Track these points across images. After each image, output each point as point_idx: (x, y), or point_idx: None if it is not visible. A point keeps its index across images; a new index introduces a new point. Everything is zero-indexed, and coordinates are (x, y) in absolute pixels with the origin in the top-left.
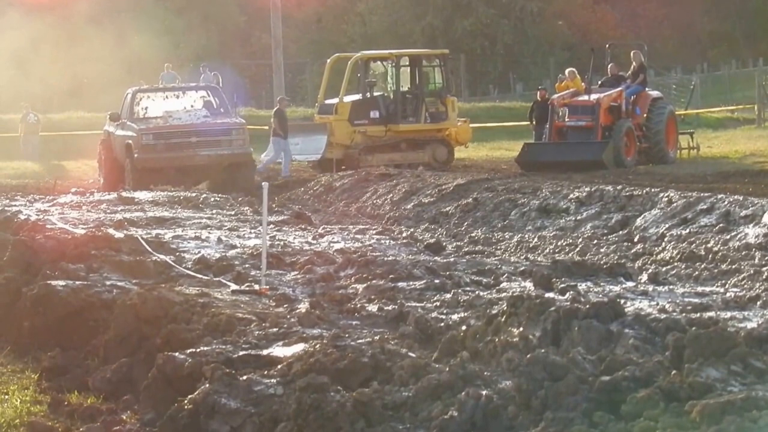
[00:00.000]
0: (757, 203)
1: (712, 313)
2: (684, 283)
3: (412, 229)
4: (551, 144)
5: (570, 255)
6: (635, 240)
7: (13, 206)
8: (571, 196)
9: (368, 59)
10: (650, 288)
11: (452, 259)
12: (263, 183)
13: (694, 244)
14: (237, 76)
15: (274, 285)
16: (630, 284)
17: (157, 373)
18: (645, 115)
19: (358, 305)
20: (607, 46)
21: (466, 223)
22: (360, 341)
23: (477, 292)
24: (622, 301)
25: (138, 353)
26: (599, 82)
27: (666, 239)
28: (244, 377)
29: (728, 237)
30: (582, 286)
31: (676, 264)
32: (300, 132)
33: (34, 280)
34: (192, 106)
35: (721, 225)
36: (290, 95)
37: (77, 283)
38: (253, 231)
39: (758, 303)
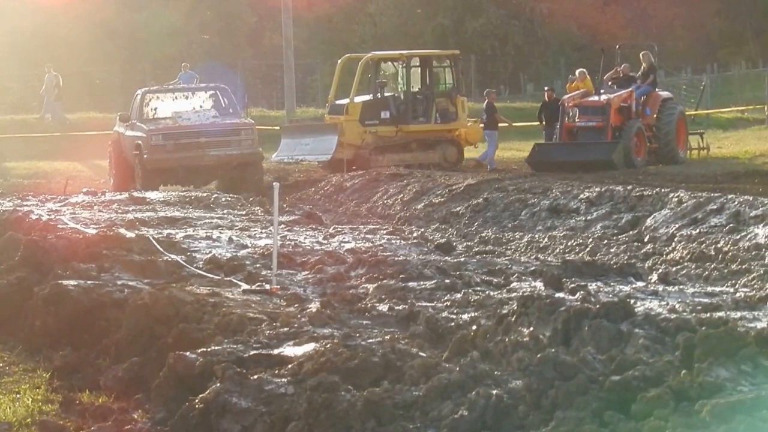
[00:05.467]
0: (767, 203)
1: (722, 313)
2: (694, 283)
3: (422, 229)
4: (562, 144)
5: (580, 255)
6: (645, 240)
7: (25, 206)
8: (582, 196)
9: (379, 60)
10: (660, 288)
11: (463, 259)
12: (274, 183)
13: (704, 245)
14: (232, 74)
15: (285, 285)
16: (640, 284)
17: (169, 373)
18: (655, 115)
19: (369, 305)
20: (617, 46)
21: (476, 223)
22: (371, 341)
23: (487, 292)
24: (633, 301)
25: (149, 352)
26: (609, 83)
27: (676, 239)
28: (255, 376)
29: (738, 237)
30: (592, 286)
31: (686, 264)
32: (310, 132)
33: (46, 280)
34: (201, 107)
35: (731, 225)
36: (301, 95)
37: (89, 282)
38: (264, 231)
39: None
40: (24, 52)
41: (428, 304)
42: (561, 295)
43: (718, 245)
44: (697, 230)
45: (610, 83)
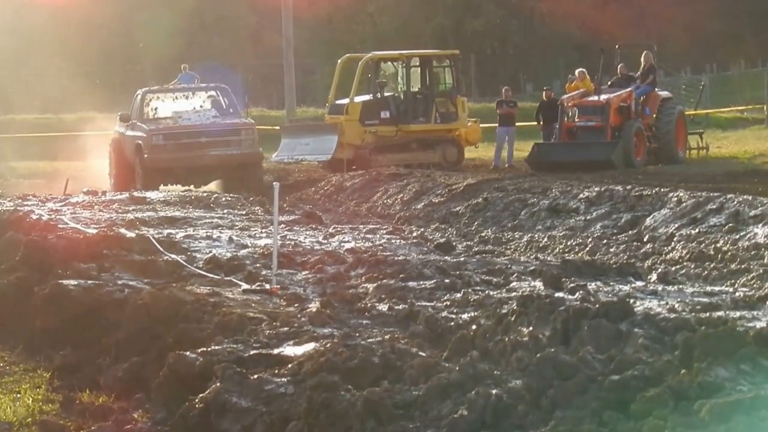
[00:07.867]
0: (766, 203)
1: (721, 313)
2: (693, 282)
3: (422, 229)
4: (561, 144)
5: (580, 254)
6: (645, 240)
7: (26, 206)
8: (581, 196)
9: (379, 60)
10: (660, 287)
11: (462, 259)
12: (274, 183)
13: (703, 244)
14: (232, 74)
15: (285, 284)
16: (639, 284)
17: (169, 372)
18: (654, 115)
19: (369, 305)
20: (617, 46)
21: (476, 223)
22: (370, 340)
23: (487, 292)
24: (632, 301)
25: (149, 352)
26: (609, 83)
27: (675, 239)
28: (255, 376)
29: (737, 237)
30: (591, 286)
31: (685, 264)
32: (310, 132)
33: (46, 280)
34: (201, 107)
35: (730, 225)
36: (301, 95)
37: (89, 282)
38: (264, 231)
39: (767, 302)
40: (23, 52)
41: (428, 303)
42: (560, 294)
43: (718, 245)
44: (697, 230)
45: (609, 84)
